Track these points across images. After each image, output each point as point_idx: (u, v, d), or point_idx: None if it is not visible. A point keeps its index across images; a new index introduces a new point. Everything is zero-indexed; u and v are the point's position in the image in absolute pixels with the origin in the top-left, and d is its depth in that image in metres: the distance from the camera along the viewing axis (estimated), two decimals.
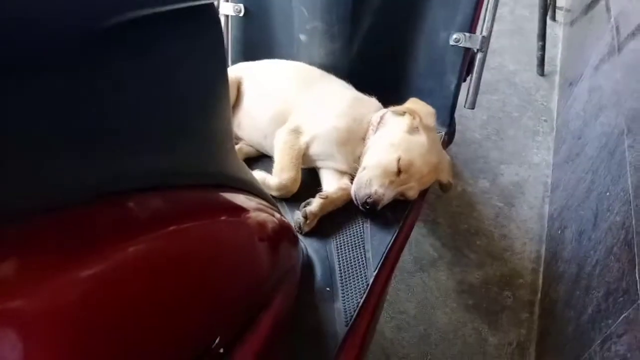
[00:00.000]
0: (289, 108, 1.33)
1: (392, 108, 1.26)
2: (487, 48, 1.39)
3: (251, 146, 1.40)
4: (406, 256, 1.75)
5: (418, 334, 1.54)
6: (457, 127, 1.74)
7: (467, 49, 1.40)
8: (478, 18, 1.37)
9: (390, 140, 1.19)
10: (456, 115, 1.56)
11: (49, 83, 0.44)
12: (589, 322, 1.20)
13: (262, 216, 0.79)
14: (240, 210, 0.74)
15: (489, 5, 1.36)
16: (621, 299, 1.09)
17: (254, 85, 1.40)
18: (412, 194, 1.18)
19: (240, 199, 0.75)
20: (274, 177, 1.22)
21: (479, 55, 1.41)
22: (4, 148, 0.42)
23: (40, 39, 0.43)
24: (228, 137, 0.76)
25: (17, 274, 0.42)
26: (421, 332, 1.55)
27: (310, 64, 1.47)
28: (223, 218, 0.71)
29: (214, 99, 0.70)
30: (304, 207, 1.13)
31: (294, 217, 1.13)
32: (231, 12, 1.55)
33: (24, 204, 0.44)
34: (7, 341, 0.40)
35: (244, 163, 0.85)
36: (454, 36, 1.38)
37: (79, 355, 0.45)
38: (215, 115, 0.70)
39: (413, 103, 1.27)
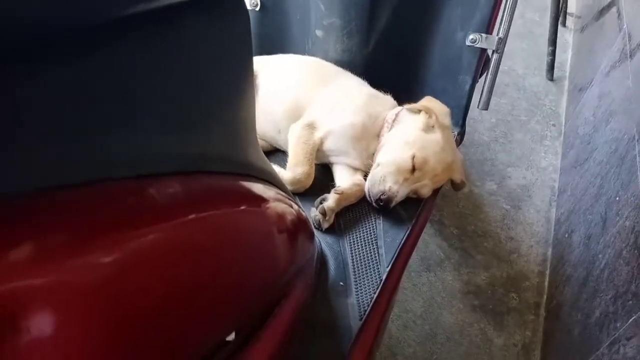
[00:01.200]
0: (304, 103, 1.33)
1: (407, 106, 1.26)
2: (503, 49, 1.40)
3: (265, 140, 1.41)
4: (413, 256, 1.74)
5: (424, 333, 1.55)
6: (466, 129, 1.75)
7: (483, 50, 1.40)
8: (495, 19, 1.37)
9: (406, 138, 1.19)
10: None
11: (74, 66, 0.45)
12: (597, 325, 1.21)
13: (282, 207, 0.79)
14: (262, 199, 0.75)
15: (506, 7, 1.37)
16: (630, 302, 1.09)
17: (269, 79, 1.40)
18: (426, 191, 1.18)
19: (261, 188, 0.75)
20: (288, 172, 1.22)
21: (494, 57, 1.41)
22: (37, 130, 0.42)
23: (64, 25, 0.43)
24: (252, 127, 0.76)
25: (33, 251, 0.42)
26: (427, 332, 1.55)
27: (326, 59, 1.47)
28: (244, 207, 0.71)
29: (240, 86, 0.70)
30: (320, 203, 1.13)
31: (311, 214, 1.13)
32: (247, 6, 1.55)
33: (42, 182, 0.44)
34: (39, 316, 0.40)
35: (264, 154, 0.85)
36: (471, 36, 1.38)
37: (105, 335, 0.45)
38: (241, 104, 0.71)
39: (429, 101, 1.27)
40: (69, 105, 0.45)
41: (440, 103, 1.27)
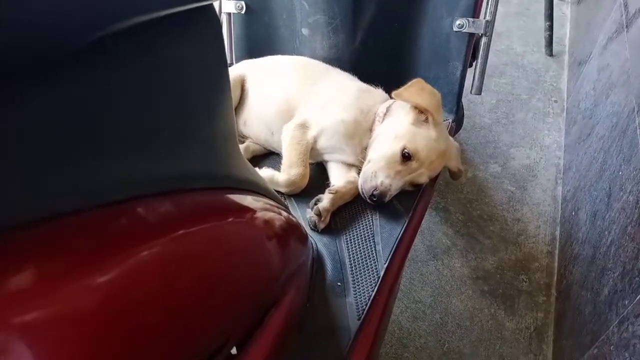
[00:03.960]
0: (295, 103, 1.33)
1: (395, 93, 1.24)
2: (492, 32, 1.38)
3: (258, 144, 1.41)
4: (419, 245, 1.74)
5: (434, 323, 1.54)
6: (466, 113, 1.73)
7: (472, 34, 1.38)
8: (481, 2, 1.35)
9: (395, 132, 1.18)
10: (464, 100, 1.55)
11: (47, 90, 0.45)
12: (606, 303, 1.19)
13: (269, 215, 0.79)
14: (247, 211, 0.75)
15: None
16: (637, 279, 1.08)
17: (258, 82, 1.40)
18: (423, 179, 1.18)
19: (246, 200, 0.75)
20: (283, 174, 1.22)
21: (483, 40, 1.39)
22: (12, 156, 0.43)
23: (38, 46, 0.43)
24: (232, 138, 0.76)
25: (31, 281, 0.43)
26: (437, 321, 1.55)
27: (314, 57, 1.46)
28: (230, 220, 0.71)
29: (216, 100, 0.70)
30: (315, 204, 1.13)
31: (307, 216, 1.12)
32: (233, 10, 1.55)
33: (28, 212, 0.45)
34: (23, 350, 0.41)
35: (249, 163, 0.85)
36: (458, 22, 1.37)
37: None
38: (217, 118, 0.70)
39: (418, 85, 1.23)
40: (40, 136, 0.45)
41: (431, 88, 1.23)
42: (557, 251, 1.75)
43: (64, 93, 0.46)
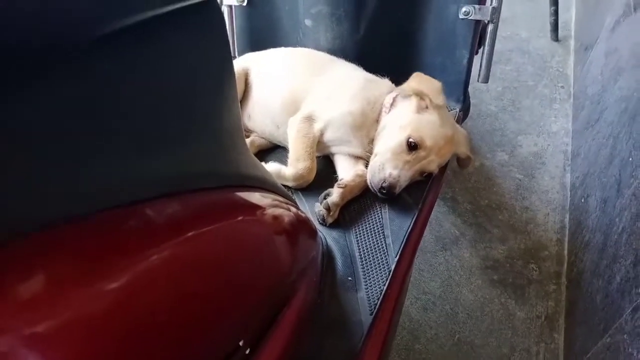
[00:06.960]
0: (300, 95, 1.31)
1: (397, 89, 1.23)
2: (498, 19, 1.35)
3: (263, 138, 1.39)
4: (427, 236, 1.73)
5: (445, 314, 1.53)
6: (472, 101, 1.71)
7: (478, 22, 1.36)
8: None
9: (400, 123, 1.17)
10: (470, 88, 1.53)
11: (51, 88, 0.43)
12: (618, 291, 1.18)
13: (278, 212, 0.78)
14: (256, 208, 0.74)
15: None
16: None
17: (262, 75, 1.38)
18: (433, 167, 1.16)
19: (254, 197, 0.74)
20: (290, 168, 1.21)
21: (490, 27, 1.37)
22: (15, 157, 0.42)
23: (42, 42, 0.42)
24: (238, 134, 0.75)
25: (39, 287, 0.42)
26: (448, 311, 1.54)
27: (318, 49, 1.44)
28: (239, 218, 0.70)
29: (221, 96, 0.68)
30: (324, 198, 1.12)
31: (316, 210, 1.11)
32: (234, 2, 1.53)
33: (38, 215, 0.44)
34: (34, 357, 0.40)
35: (255, 158, 0.83)
36: (464, 9, 1.34)
37: None
38: (223, 113, 0.69)
39: (417, 78, 1.23)
40: (37, 136, 0.44)
41: (430, 79, 1.23)
42: (566, 239, 1.74)
43: (63, 91, 0.44)
